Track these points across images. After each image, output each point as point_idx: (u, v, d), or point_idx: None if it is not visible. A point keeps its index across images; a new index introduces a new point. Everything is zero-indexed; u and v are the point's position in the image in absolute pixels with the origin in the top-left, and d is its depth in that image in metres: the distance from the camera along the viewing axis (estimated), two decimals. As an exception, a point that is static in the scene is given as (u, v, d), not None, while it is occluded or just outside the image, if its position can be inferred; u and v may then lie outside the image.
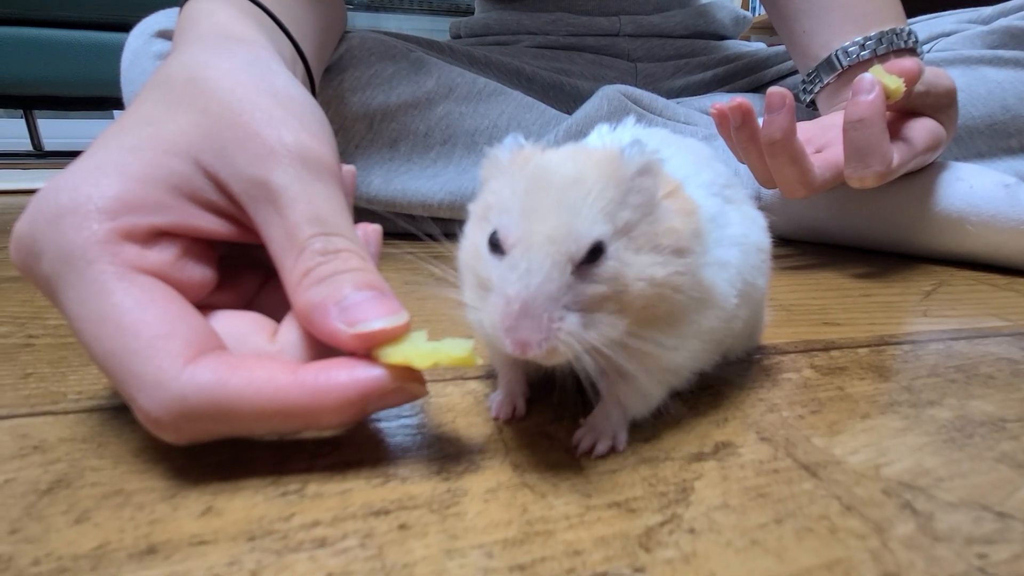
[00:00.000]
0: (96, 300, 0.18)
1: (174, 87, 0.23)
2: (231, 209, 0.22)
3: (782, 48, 0.74)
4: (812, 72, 0.56)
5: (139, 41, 0.55)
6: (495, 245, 0.19)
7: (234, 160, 0.21)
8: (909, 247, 0.55)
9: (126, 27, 0.57)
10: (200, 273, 0.21)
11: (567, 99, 0.73)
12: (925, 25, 0.67)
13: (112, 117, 1.94)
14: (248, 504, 0.18)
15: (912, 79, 0.43)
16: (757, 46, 0.83)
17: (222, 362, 0.18)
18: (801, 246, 0.62)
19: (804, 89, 0.57)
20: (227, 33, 0.29)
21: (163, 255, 0.20)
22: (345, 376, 0.18)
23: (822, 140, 0.49)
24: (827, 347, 0.32)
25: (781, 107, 0.41)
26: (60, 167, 0.21)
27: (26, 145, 1.98)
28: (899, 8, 0.54)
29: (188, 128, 0.21)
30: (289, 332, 0.20)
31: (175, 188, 0.21)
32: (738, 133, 0.45)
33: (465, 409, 0.24)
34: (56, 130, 2.16)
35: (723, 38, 0.83)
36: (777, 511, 0.18)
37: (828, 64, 0.54)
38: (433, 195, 0.60)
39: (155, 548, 0.16)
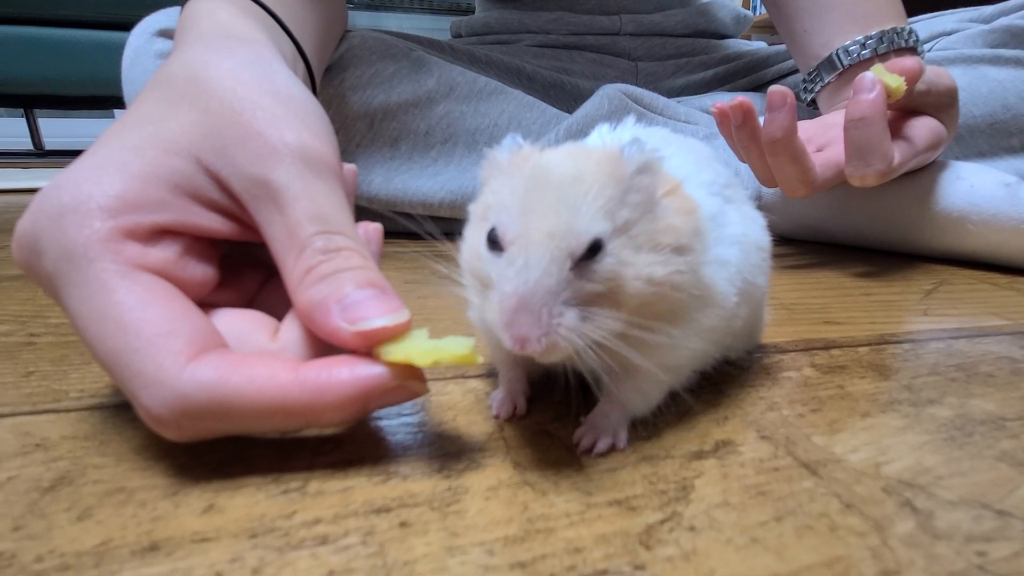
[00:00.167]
0: (98, 298, 0.18)
1: (175, 86, 0.23)
2: (232, 208, 0.22)
3: (783, 47, 0.74)
4: (813, 71, 0.56)
5: (140, 40, 0.55)
6: (493, 242, 0.19)
7: (235, 159, 0.21)
8: (910, 246, 0.55)
9: (127, 26, 0.57)
10: (201, 271, 0.21)
11: (568, 98, 0.73)
12: (926, 24, 0.67)
13: (113, 116, 1.94)
14: (250, 501, 0.18)
15: (913, 78, 0.43)
16: (758, 45, 0.83)
17: (224, 360, 0.18)
18: (802, 245, 0.62)
19: (805, 88, 0.57)
20: (228, 32, 0.29)
21: (165, 253, 0.20)
22: (346, 374, 0.18)
23: (823, 139, 0.49)
24: (827, 346, 0.32)
25: (782, 106, 0.41)
26: (61, 166, 0.21)
27: (27, 144, 1.98)
28: (900, 7, 0.54)
29: (190, 127, 0.21)
30: (290, 330, 0.21)
31: (177, 187, 0.21)
32: (739, 132, 0.45)
33: (466, 407, 0.24)
34: (57, 129, 2.16)
35: (724, 37, 0.83)
36: (777, 509, 0.18)
37: (829, 63, 0.54)
38: (434, 194, 0.60)
39: (157, 545, 0.16)
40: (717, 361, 0.25)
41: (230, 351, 0.19)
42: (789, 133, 0.41)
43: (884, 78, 0.42)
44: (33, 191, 0.20)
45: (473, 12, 0.84)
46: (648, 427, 0.23)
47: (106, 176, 0.20)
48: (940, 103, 0.48)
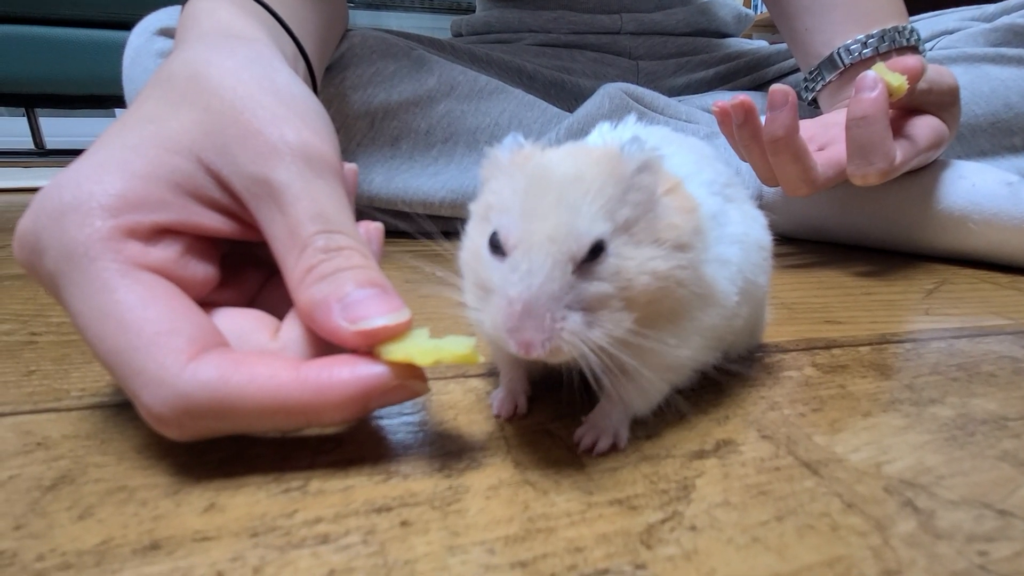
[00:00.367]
0: (99, 297, 0.18)
1: (176, 85, 0.23)
2: (233, 207, 0.22)
3: (784, 46, 0.74)
4: (814, 70, 0.56)
5: (141, 39, 0.55)
6: (495, 246, 0.19)
7: (236, 158, 0.21)
8: (911, 245, 0.55)
9: (128, 25, 0.57)
10: (203, 270, 0.21)
11: (568, 97, 0.73)
12: (927, 23, 0.66)
13: (114, 115, 1.94)
14: (251, 500, 0.18)
15: (915, 76, 0.43)
16: (759, 44, 0.83)
17: (225, 359, 0.18)
18: (803, 244, 0.62)
19: (806, 87, 0.57)
20: (229, 31, 0.29)
21: (166, 252, 0.20)
22: (347, 373, 0.18)
23: (824, 138, 0.49)
24: (828, 345, 0.32)
25: (784, 104, 0.41)
26: (62, 165, 0.21)
27: (28, 143, 1.98)
28: (901, 6, 0.54)
29: (190, 126, 0.21)
30: (291, 329, 0.21)
31: (178, 186, 0.21)
32: (740, 131, 0.45)
33: (467, 407, 0.24)
34: (58, 128, 2.16)
35: (725, 36, 0.83)
36: (778, 508, 0.18)
37: (830, 62, 0.54)
38: (435, 193, 0.60)
39: (158, 544, 0.16)
40: (718, 360, 0.25)
41: (231, 350, 0.19)
42: (791, 132, 0.41)
43: (886, 77, 0.42)
44: (34, 190, 0.20)
45: (474, 11, 0.84)
46: (649, 426, 0.23)
47: (107, 175, 0.20)
48: (942, 102, 0.48)
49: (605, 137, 0.26)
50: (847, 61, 0.53)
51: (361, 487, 0.19)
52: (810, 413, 0.24)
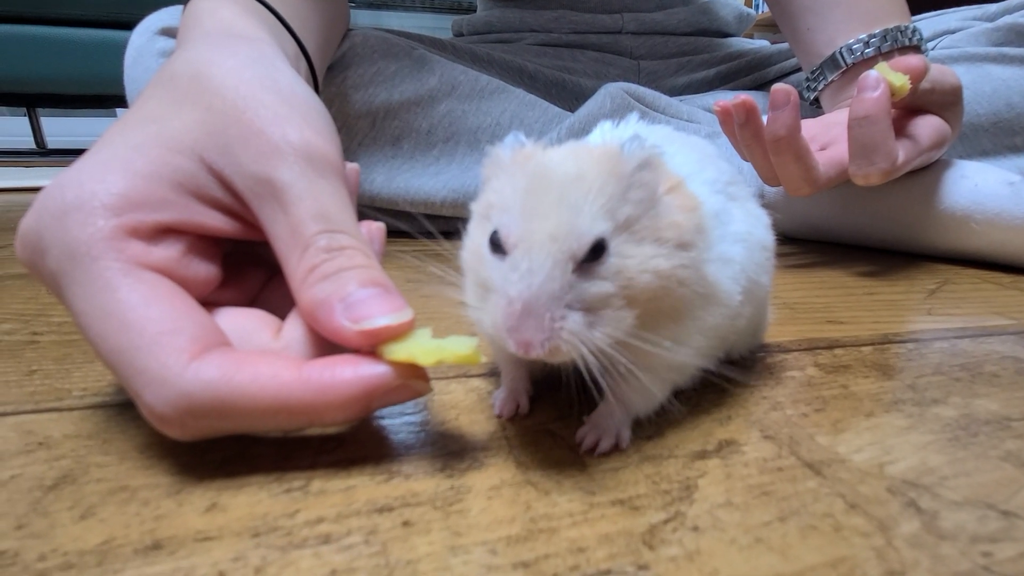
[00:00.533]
0: (101, 296, 0.18)
1: (178, 84, 0.23)
2: (236, 206, 0.22)
3: (785, 46, 0.74)
4: (816, 70, 0.55)
5: (142, 39, 0.55)
6: (496, 245, 0.19)
7: (239, 157, 0.21)
8: (913, 245, 0.54)
9: (129, 25, 0.57)
10: (205, 270, 0.21)
11: (570, 97, 0.73)
12: (930, 22, 0.66)
13: (115, 115, 1.94)
14: (252, 500, 0.18)
15: (917, 76, 0.43)
16: (760, 43, 0.83)
17: (227, 359, 0.18)
18: (805, 244, 0.62)
19: (808, 87, 0.57)
20: (231, 30, 0.29)
21: (168, 252, 0.20)
22: (350, 373, 0.18)
23: (826, 138, 0.49)
24: (831, 345, 0.32)
25: (786, 104, 0.41)
26: (63, 165, 0.21)
27: (29, 143, 1.98)
28: (903, 5, 0.54)
29: (193, 125, 0.21)
30: (293, 329, 0.21)
31: (180, 185, 0.21)
32: (742, 130, 0.45)
33: (468, 406, 0.24)
34: (59, 128, 2.16)
35: (726, 35, 0.83)
36: (781, 509, 0.18)
37: (832, 61, 0.54)
38: (436, 193, 0.60)
39: (160, 544, 0.16)
40: (720, 360, 0.25)
41: (233, 350, 0.19)
42: (792, 131, 0.41)
43: (888, 76, 0.42)
44: (36, 190, 0.20)
45: (475, 11, 0.84)
46: (651, 426, 0.23)
47: (110, 174, 0.20)
48: (944, 101, 0.48)
49: (606, 137, 0.26)
50: (849, 61, 0.52)
51: (363, 487, 0.19)
52: (812, 413, 0.24)
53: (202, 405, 0.17)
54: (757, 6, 2.20)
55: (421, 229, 0.55)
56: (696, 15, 0.79)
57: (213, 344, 0.19)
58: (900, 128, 0.47)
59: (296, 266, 0.20)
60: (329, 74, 0.58)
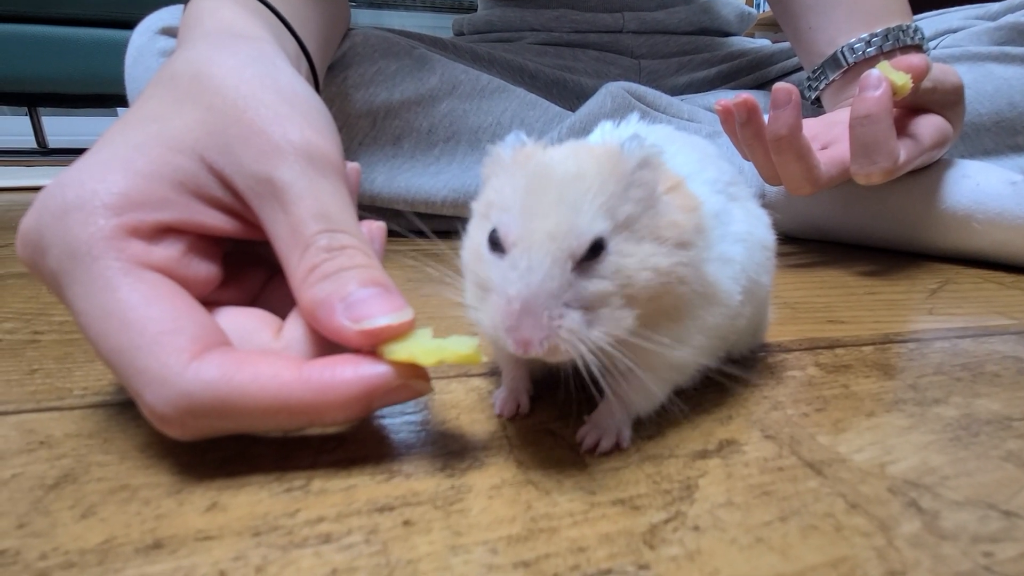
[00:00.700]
0: (102, 295, 0.18)
1: (179, 84, 0.23)
2: (236, 206, 0.22)
3: (787, 45, 0.74)
4: (817, 69, 0.55)
5: (143, 38, 0.55)
6: (495, 244, 0.19)
7: (239, 157, 0.21)
8: (915, 245, 0.54)
9: (130, 24, 0.57)
10: (205, 269, 0.21)
11: (570, 96, 0.73)
12: (931, 21, 0.66)
13: (116, 114, 1.94)
14: (253, 500, 0.18)
15: (919, 75, 0.43)
16: (762, 43, 0.83)
17: (227, 358, 0.18)
18: (806, 244, 0.62)
19: (809, 86, 0.57)
20: (232, 30, 0.29)
21: (168, 251, 0.20)
22: (350, 373, 0.18)
23: (828, 137, 0.49)
24: (832, 345, 0.32)
25: (787, 103, 0.41)
26: (64, 164, 0.21)
27: (31, 142, 1.99)
28: (905, 4, 0.54)
29: (193, 125, 0.21)
30: (294, 329, 0.21)
31: (180, 184, 0.21)
32: (743, 129, 0.44)
33: (469, 406, 0.24)
34: (60, 127, 2.16)
35: (727, 34, 0.83)
36: (782, 509, 0.18)
37: (834, 61, 0.54)
38: (436, 192, 0.60)
39: (161, 543, 0.16)
40: (721, 360, 0.25)
41: (234, 349, 0.19)
42: (794, 130, 0.41)
43: (890, 75, 0.42)
44: (37, 189, 0.20)
45: (475, 10, 0.84)
46: (652, 426, 0.22)
47: (110, 174, 0.20)
48: (946, 101, 0.48)
49: (607, 136, 0.25)
50: (851, 60, 0.52)
51: (363, 486, 0.19)
52: (813, 413, 0.24)
53: (202, 405, 0.17)
54: (758, 5, 2.19)
55: (422, 228, 0.55)
56: (697, 14, 0.79)
57: (214, 344, 0.19)
58: (902, 127, 0.46)
59: (296, 265, 0.20)
60: (330, 73, 0.58)
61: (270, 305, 0.23)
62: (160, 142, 0.21)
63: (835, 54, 0.53)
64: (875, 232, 0.56)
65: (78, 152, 0.22)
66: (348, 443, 0.21)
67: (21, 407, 0.24)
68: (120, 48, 0.56)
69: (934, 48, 0.60)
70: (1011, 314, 0.38)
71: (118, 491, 0.18)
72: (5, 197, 1.07)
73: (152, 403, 0.18)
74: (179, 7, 0.33)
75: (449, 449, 0.21)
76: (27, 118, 1.94)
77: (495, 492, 0.18)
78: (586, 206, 0.18)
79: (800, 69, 0.70)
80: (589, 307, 0.18)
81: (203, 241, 0.22)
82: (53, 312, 0.36)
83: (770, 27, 2.04)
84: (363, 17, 2.39)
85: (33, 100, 1.84)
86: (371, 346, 0.19)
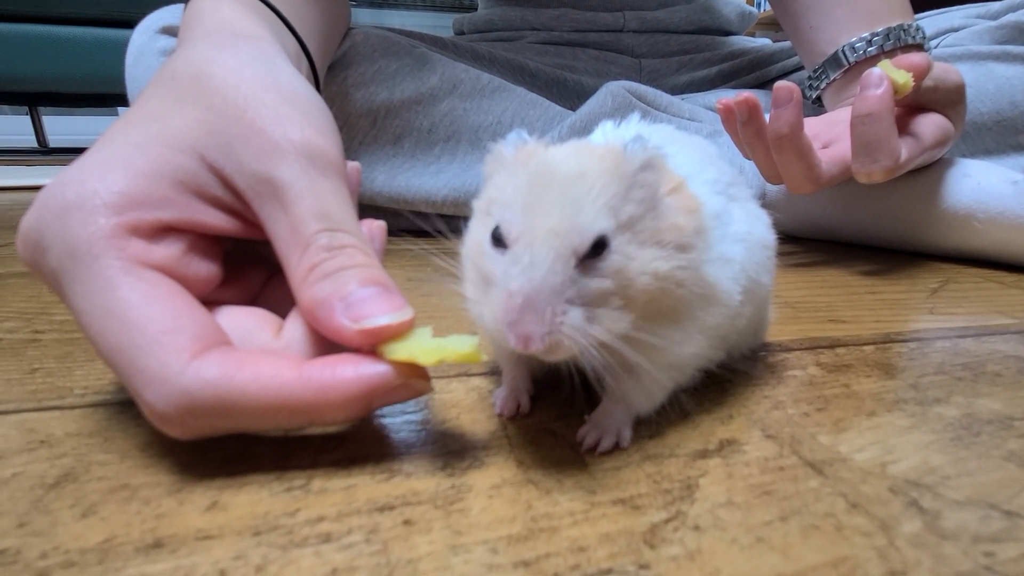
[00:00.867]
0: (102, 295, 0.18)
1: (179, 83, 0.23)
2: (236, 205, 0.22)
3: (787, 44, 0.73)
4: (818, 68, 0.55)
5: (143, 38, 0.55)
6: (498, 240, 0.19)
7: (239, 156, 0.21)
8: (916, 244, 0.54)
9: (130, 23, 0.57)
10: (205, 269, 0.21)
11: (571, 95, 0.73)
12: (933, 20, 0.66)
13: (116, 113, 1.95)
14: (253, 499, 0.18)
15: (921, 74, 0.43)
16: (762, 42, 0.83)
17: (227, 358, 0.18)
18: (806, 243, 0.61)
19: (810, 85, 0.57)
20: (232, 29, 0.29)
21: (169, 250, 0.20)
22: (350, 372, 0.18)
23: (829, 136, 0.49)
24: (833, 344, 0.32)
25: (788, 102, 0.41)
26: (65, 163, 0.21)
27: (31, 141, 1.99)
28: (906, 3, 0.54)
29: (194, 124, 0.21)
30: (294, 328, 0.21)
31: (181, 184, 0.21)
32: (744, 128, 0.44)
33: (469, 405, 0.24)
34: (61, 127, 2.17)
35: (728, 34, 0.83)
36: (783, 508, 0.18)
37: (834, 60, 0.53)
38: (437, 191, 0.60)
39: (161, 542, 0.16)
40: (721, 360, 0.25)
41: (234, 348, 0.19)
42: (795, 129, 0.41)
43: (891, 74, 0.42)
44: (37, 188, 0.20)
45: (476, 9, 0.84)
46: (652, 426, 0.22)
47: (111, 173, 0.20)
48: (948, 100, 0.48)
49: (608, 135, 0.25)
50: (852, 59, 0.52)
51: (363, 486, 0.19)
52: (814, 413, 0.24)
53: (203, 404, 0.17)
54: (759, 4, 2.19)
55: (422, 227, 0.55)
56: (698, 13, 0.79)
57: (214, 343, 0.19)
58: (903, 126, 0.46)
59: (296, 265, 0.20)
60: (330, 73, 0.58)
61: (270, 304, 0.23)
62: (160, 141, 0.21)
63: (836, 53, 0.53)
64: (876, 231, 0.56)
65: (78, 151, 0.22)
66: (348, 442, 0.21)
67: (22, 406, 0.24)
68: (120, 47, 0.56)
69: (935, 47, 0.60)
70: (1012, 313, 0.38)
71: (118, 490, 0.18)
72: (5, 196, 1.07)
73: (152, 402, 0.18)
74: (179, 6, 0.33)
75: (449, 448, 0.21)
76: (27, 117, 1.94)
77: (495, 491, 0.18)
78: (589, 204, 0.18)
79: (801, 68, 0.70)
80: (589, 305, 0.18)
81: (203, 240, 0.22)
82: (54, 311, 0.36)
83: (771, 26, 2.03)
84: (363, 16, 2.39)
85: (33, 99, 1.84)
86: (371, 345, 0.19)
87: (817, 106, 0.60)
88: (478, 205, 0.22)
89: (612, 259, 0.18)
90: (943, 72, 0.46)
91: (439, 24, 2.38)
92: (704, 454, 0.21)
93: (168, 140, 0.21)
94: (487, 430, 0.22)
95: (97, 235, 0.19)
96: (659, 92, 0.65)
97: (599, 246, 0.18)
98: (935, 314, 0.38)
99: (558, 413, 0.24)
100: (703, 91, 0.76)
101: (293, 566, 0.15)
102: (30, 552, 0.16)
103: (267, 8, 0.35)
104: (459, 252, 0.22)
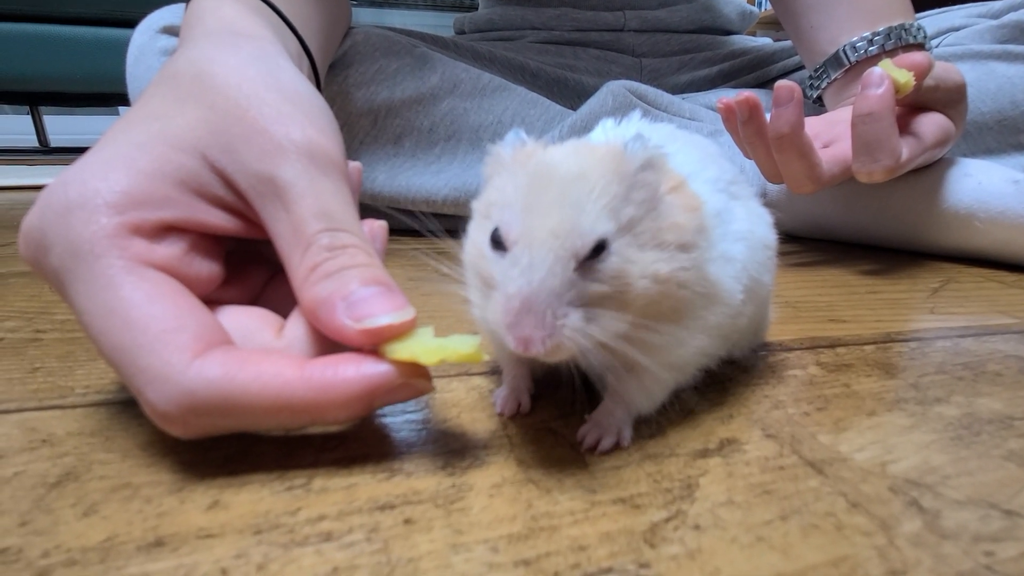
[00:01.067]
0: (104, 294, 0.18)
1: (181, 83, 0.23)
2: (238, 204, 0.22)
3: (788, 43, 0.73)
4: (819, 68, 0.55)
5: (144, 37, 0.55)
6: (497, 242, 0.19)
7: (241, 156, 0.21)
8: (916, 244, 0.54)
9: (131, 23, 0.57)
10: (207, 268, 0.21)
11: (572, 95, 0.73)
12: (934, 20, 0.66)
13: (118, 113, 1.95)
14: (254, 498, 0.18)
15: (922, 73, 0.43)
16: (763, 41, 0.83)
17: (229, 357, 0.18)
18: (807, 242, 0.61)
19: (811, 85, 0.57)
20: (233, 29, 0.29)
21: (171, 250, 0.20)
22: (352, 372, 0.18)
23: (829, 135, 0.49)
24: (833, 344, 0.32)
25: (789, 101, 0.41)
26: (66, 163, 0.21)
27: (32, 141, 1.99)
28: (907, 3, 0.54)
29: (195, 123, 0.21)
30: (295, 327, 0.21)
31: (183, 183, 0.21)
32: (745, 128, 0.44)
33: (470, 405, 0.24)
34: (62, 126, 2.17)
35: (729, 33, 0.83)
36: (783, 508, 0.18)
37: (835, 59, 0.53)
38: (437, 191, 0.60)
39: (163, 541, 0.16)
40: (722, 359, 0.25)
41: (236, 348, 0.19)
42: (796, 128, 0.41)
43: (892, 73, 0.42)
44: (39, 188, 0.20)
45: (477, 8, 0.84)
46: (652, 425, 0.22)
47: (112, 172, 0.20)
48: (949, 99, 0.48)
49: (609, 134, 0.25)
50: (853, 59, 0.52)
51: (364, 485, 0.19)
52: (814, 412, 0.24)
53: (205, 403, 0.18)
54: (760, 3, 2.19)
55: (423, 227, 0.55)
56: (699, 12, 0.79)
57: (216, 342, 0.19)
58: (904, 125, 0.46)
59: (298, 264, 0.20)
60: (331, 72, 0.58)
61: (272, 304, 0.23)
62: (162, 141, 0.21)
63: (837, 53, 0.53)
64: (877, 231, 0.56)
65: (80, 151, 0.22)
66: (349, 442, 0.21)
67: (23, 405, 0.24)
68: (122, 47, 0.56)
69: (936, 46, 0.60)
70: (1013, 313, 0.38)
71: (120, 489, 0.18)
72: (7, 196, 1.07)
73: (154, 401, 0.18)
74: (181, 6, 0.33)
75: (450, 448, 0.21)
76: (29, 117, 1.94)
77: (496, 491, 0.19)
78: (589, 206, 0.18)
79: (802, 68, 0.70)
80: (589, 307, 0.18)
81: (205, 240, 0.22)
82: (55, 311, 0.36)
83: (771, 25, 2.03)
84: (364, 16, 2.39)
85: (35, 99, 1.84)
86: (372, 345, 0.19)
87: (818, 105, 0.60)
88: (478, 207, 0.22)
89: (612, 262, 0.18)
90: (944, 71, 0.46)
91: (440, 23, 2.38)
92: (704, 453, 0.21)
93: (170, 140, 0.21)
94: (488, 429, 0.22)
95: (99, 234, 0.19)
96: (660, 91, 0.65)
97: (599, 248, 0.18)
98: (936, 314, 0.38)
99: (559, 412, 0.24)
100: (704, 90, 0.76)
101: (294, 565, 0.15)
102: (32, 551, 0.16)
103: (268, 8, 0.35)
104: (459, 255, 0.22)
